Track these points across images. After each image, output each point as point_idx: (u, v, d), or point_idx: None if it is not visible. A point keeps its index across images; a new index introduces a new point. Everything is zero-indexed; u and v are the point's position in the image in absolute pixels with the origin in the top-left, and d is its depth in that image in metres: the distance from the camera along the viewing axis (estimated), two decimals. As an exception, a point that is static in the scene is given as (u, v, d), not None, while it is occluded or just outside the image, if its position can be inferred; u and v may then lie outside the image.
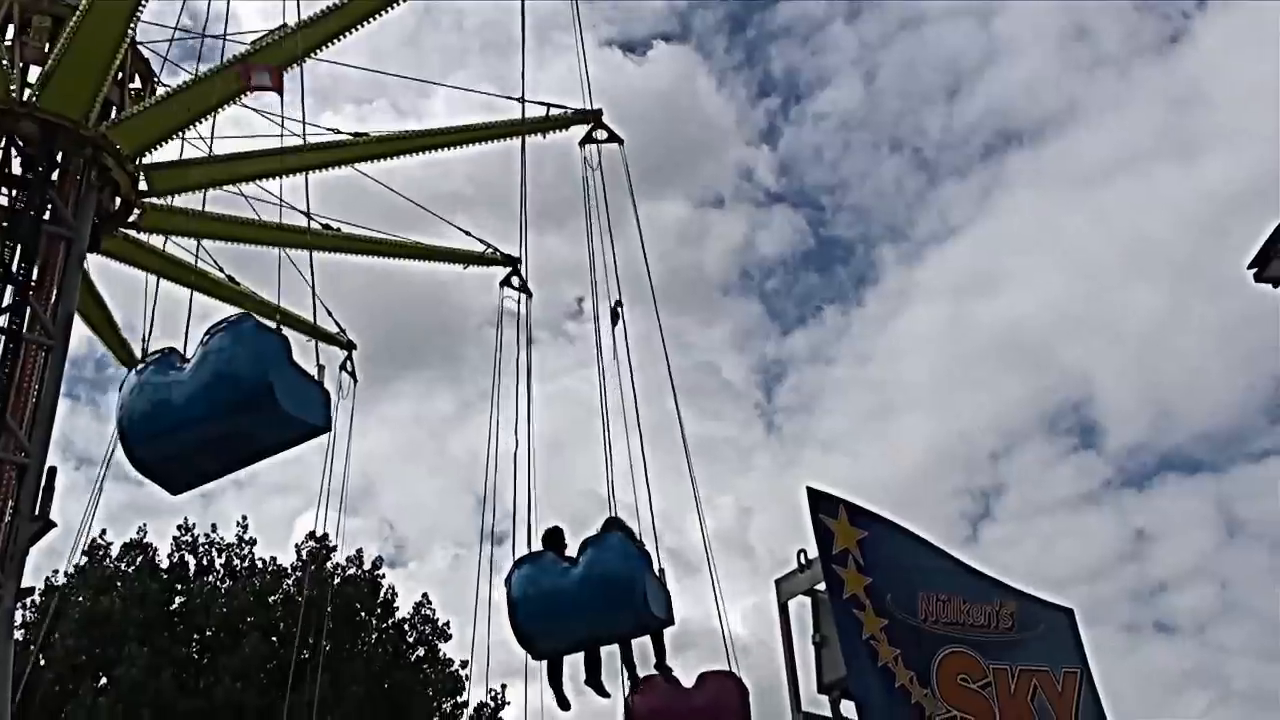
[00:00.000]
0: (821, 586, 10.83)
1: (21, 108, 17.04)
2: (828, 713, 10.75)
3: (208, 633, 31.94)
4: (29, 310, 16.88)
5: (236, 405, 10.29)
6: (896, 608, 10.51)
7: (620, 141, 17.34)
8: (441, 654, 34.23)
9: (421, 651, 33.45)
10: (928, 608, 10.69)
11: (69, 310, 17.76)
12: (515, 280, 19.51)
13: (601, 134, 17.43)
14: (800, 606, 11.38)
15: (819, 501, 10.72)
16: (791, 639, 11.07)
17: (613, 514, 13.30)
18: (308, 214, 16.92)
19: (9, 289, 16.62)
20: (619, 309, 15.43)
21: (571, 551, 12.33)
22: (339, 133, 19.45)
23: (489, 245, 20.28)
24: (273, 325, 11.14)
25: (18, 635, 20.72)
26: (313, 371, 10.89)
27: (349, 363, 21.44)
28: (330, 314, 20.75)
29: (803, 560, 11.14)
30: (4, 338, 16.58)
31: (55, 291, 17.44)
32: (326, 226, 20.09)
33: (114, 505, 74.25)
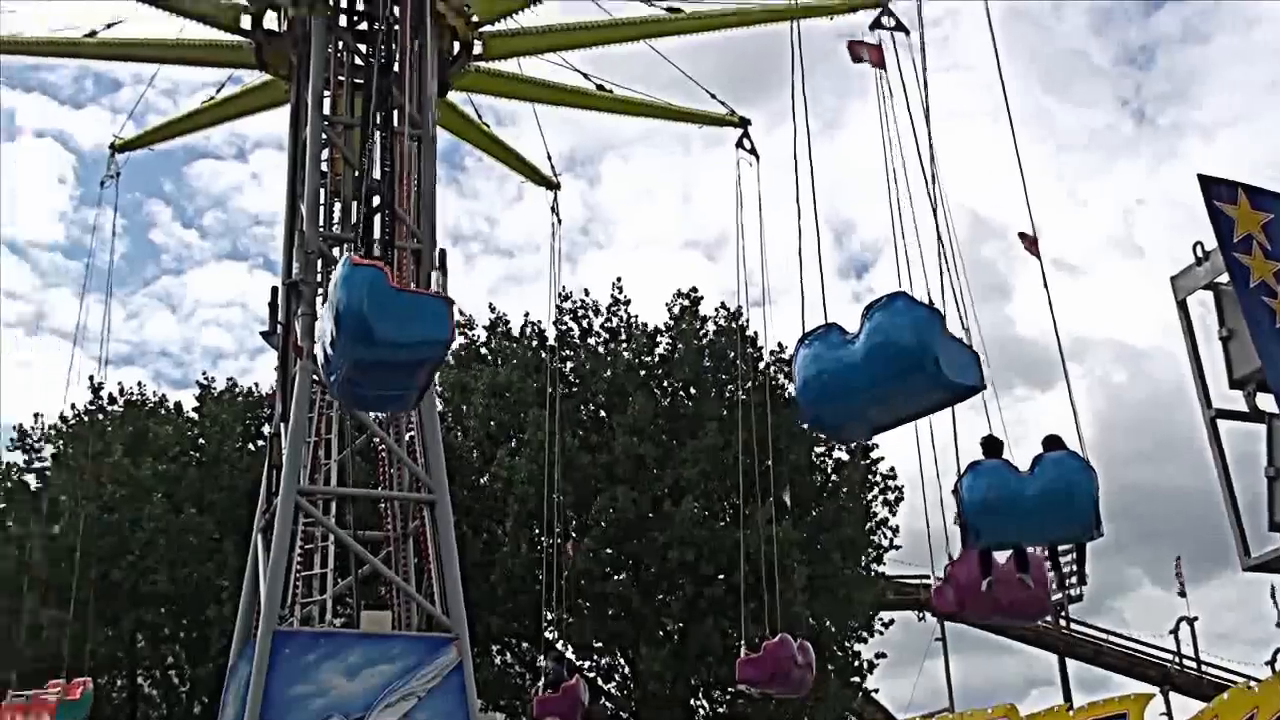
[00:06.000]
0: (1224, 279, 10.01)
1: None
2: (1242, 407, 10.12)
3: (600, 396, 33.97)
4: (394, 107, 18.02)
5: (902, 373, 10.11)
6: (1313, 290, 9.62)
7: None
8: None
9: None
10: (1349, 285, 9.73)
11: (430, 102, 18.84)
12: None
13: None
14: (1201, 303, 10.63)
15: (1213, 188, 9.81)
16: (1194, 337, 10.38)
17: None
18: None
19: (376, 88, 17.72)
20: None
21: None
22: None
23: None
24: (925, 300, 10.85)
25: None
26: None
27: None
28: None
29: (1199, 253, 10.31)
30: (379, 133, 17.85)
31: (416, 84, 18.52)
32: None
33: (492, 278, 79.58)
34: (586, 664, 33.51)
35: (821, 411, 10.64)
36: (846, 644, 32.94)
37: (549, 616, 32.05)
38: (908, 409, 10.86)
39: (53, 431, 35.03)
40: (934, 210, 12.08)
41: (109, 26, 19.99)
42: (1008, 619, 14.52)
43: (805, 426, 33.41)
